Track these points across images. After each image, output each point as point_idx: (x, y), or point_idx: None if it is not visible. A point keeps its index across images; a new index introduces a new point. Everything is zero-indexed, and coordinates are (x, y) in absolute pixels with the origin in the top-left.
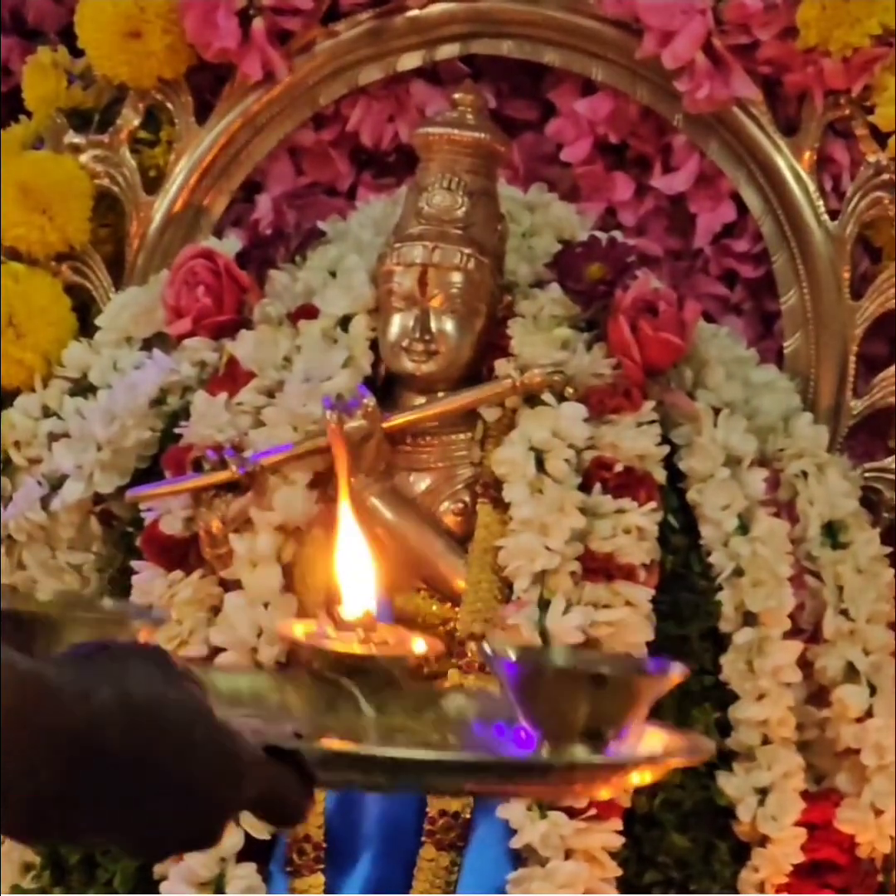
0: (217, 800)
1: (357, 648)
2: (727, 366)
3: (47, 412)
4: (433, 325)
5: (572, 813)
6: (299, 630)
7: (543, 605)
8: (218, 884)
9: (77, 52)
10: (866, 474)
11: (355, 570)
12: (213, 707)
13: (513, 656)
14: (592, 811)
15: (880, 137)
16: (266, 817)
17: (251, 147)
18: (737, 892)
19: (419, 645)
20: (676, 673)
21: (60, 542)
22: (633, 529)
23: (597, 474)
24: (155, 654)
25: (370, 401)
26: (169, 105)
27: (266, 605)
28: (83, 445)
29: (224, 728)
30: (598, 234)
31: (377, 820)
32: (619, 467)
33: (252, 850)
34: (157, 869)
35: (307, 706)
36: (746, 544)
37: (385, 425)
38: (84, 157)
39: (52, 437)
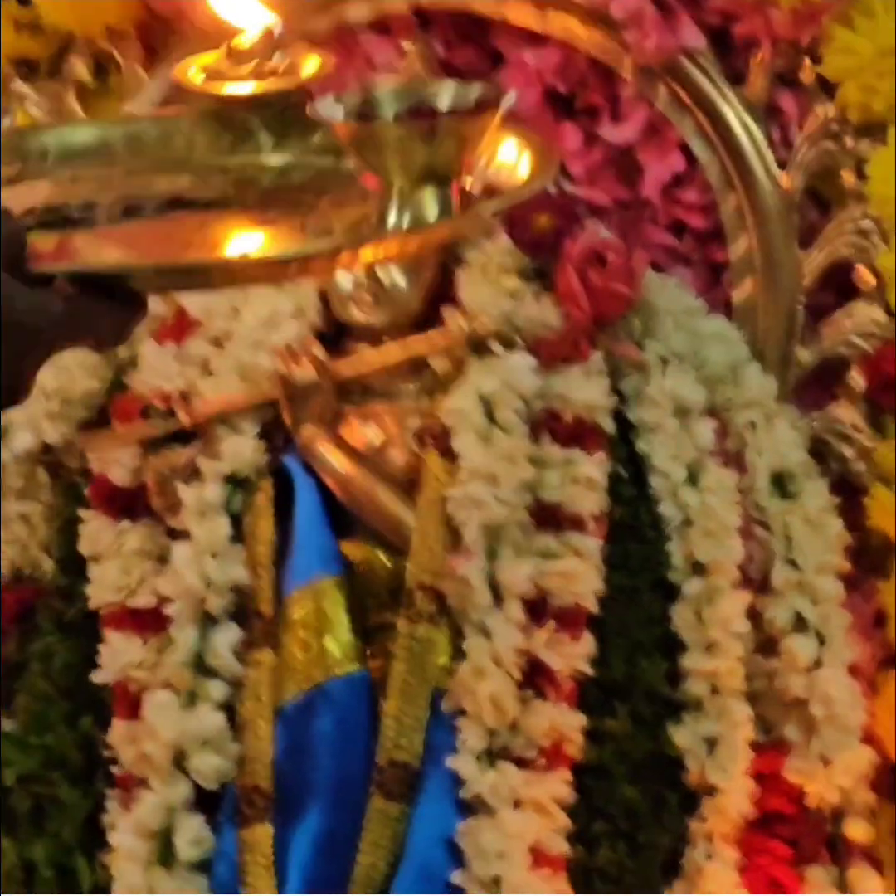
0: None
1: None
2: (675, 316)
3: None
4: (381, 275)
5: (522, 763)
6: (195, 76)
7: (492, 554)
8: (166, 834)
9: (25, 1)
10: (815, 424)
11: None
12: None
13: None
14: (542, 761)
15: (829, 88)
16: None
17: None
18: (686, 843)
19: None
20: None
21: (9, 492)
22: (582, 480)
23: (546, 424)
24: None
25: (318, 350)
26: (117, 55)
27: (214, 556)
28: (31, 395)
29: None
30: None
31: (327, 771)
32: (567, 418)
33: (201, 801)
34: (106, 819)
35: (208, 149)
36: (695, 495)
37: (333, 375)
38: (31, 107)
39: None
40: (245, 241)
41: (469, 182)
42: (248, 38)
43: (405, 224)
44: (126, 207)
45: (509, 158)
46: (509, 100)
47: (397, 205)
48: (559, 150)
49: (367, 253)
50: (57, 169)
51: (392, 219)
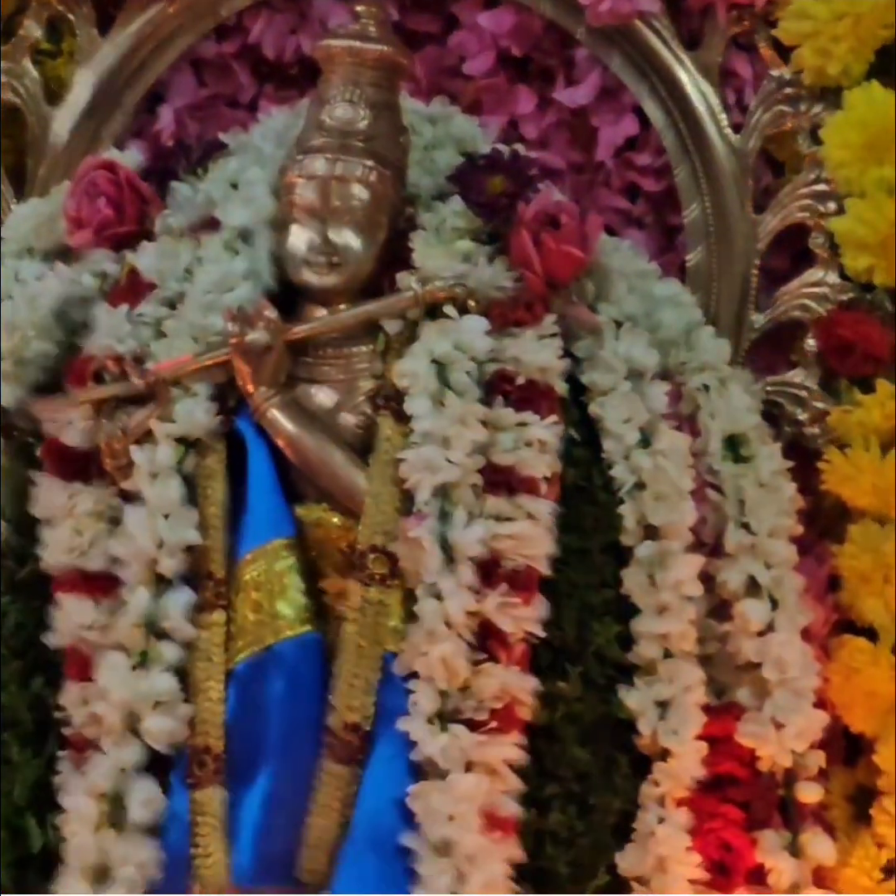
0: None
1: None
2: (629, 279)
3: None
4: (335, 238)
5: (473, 726)
6: None
7: (445, 517)
8: (118, 796)
9: None
10: (768, 388)
11: None
12: None
13: None
14: (494, 724)
15: (783, 51)
16: None
17: (153, 59)
18: (638, 806)
19: None
20: None
21: None
22: (534, 442)
23: (499, 387)
24: None
25: (271, 312)
26: (71, 16)
27: (166, 517)
28: None
29: None
30: (501, 146)
31: (278, 732)
32: (520, 380)
33: (153, 762)
34: (57, 780)
35: None
36: (648, 458)
37: (286, 337)
38: None
39: None
40: None
41: None
42: None
43: None
44: None
45: None
46: None
47: None
48: None
49: None
50: None
51: None
